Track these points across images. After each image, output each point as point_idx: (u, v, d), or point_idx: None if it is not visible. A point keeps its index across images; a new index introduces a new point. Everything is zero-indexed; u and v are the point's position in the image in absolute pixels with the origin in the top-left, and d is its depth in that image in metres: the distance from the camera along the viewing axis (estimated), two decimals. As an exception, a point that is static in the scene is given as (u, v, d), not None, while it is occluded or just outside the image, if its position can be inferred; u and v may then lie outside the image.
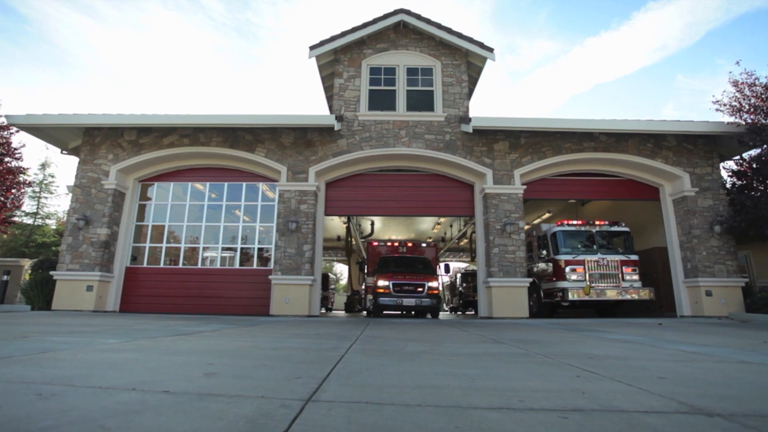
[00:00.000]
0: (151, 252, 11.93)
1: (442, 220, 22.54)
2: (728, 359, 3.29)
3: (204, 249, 11.92)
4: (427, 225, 24.46)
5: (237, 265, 11.84)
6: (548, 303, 11.65)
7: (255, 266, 11.77)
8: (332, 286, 34.67)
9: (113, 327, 5.35)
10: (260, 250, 11.91)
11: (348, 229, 21.59)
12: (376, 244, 16.19)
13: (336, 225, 22.57)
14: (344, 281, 48.52)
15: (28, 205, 22.54)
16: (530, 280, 11.13)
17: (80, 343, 3.24)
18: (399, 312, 14.22)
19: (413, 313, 13.68)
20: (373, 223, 23.57)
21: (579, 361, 3.07)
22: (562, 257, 11.34)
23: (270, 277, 10.92)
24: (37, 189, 22.97)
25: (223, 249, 11.95)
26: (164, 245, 11.91)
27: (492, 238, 11.06)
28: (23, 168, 13.84)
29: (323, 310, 23.63)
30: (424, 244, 16.50)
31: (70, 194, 11.76)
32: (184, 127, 11.67)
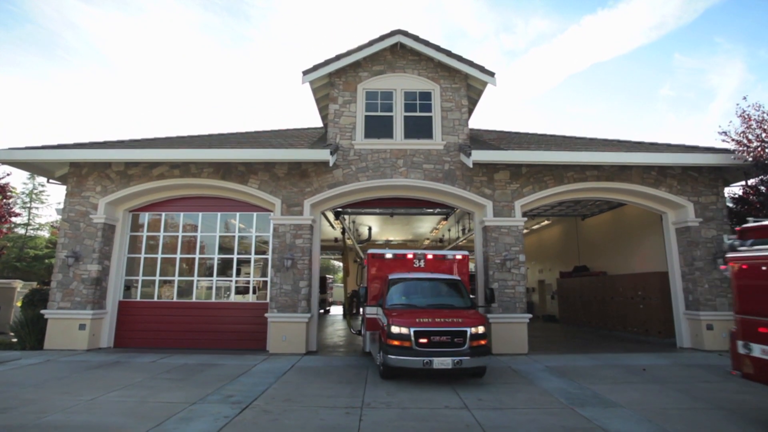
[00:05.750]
0: (144, 285, 11.69)
1: (440, 224, 22.28)
2: None
3: (198, 281, 11.70)
4: (425, 229, 24.24)
5: (233, 297, 11.64)
6: None
7: (251, 300, 11.57)
8: (330, 282, 34.80)
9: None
10: (256, 281, 11.69)
11: (343, 239, 21.23)
12: (376, 256, 9.87)
13: (333, 230, 22.30)
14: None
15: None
16: (530, 315, 10.91)
17: None
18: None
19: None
20: (370, 229, 23.32)
21: None
22: None
23: (266, 315, 10.73)
24: (26, 199, 22.50)
25: (218, 280, 11.73)
26: (157, 278, 11.66)
27: (491, 273, 10.85)
28: (10, 190, 13.44)
29: (321, 311, 23.81)
30: (451, 256, 9.98)
31: (60, 216, 11.44)
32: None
